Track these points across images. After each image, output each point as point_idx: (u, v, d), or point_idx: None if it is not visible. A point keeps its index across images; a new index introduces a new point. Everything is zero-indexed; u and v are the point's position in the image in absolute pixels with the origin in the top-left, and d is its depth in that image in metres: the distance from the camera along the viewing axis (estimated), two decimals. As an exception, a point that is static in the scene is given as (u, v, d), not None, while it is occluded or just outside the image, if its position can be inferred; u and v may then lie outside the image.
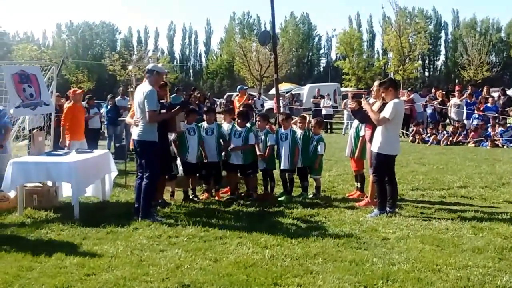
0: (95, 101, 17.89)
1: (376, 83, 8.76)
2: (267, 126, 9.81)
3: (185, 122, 9.30)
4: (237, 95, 19.74)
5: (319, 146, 9.62)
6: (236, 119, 9.74)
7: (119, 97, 19.64)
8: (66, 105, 11.69)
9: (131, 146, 8.68)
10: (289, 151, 9.48)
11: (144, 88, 7.84)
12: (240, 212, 8.48)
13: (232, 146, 9.44)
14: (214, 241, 6.67)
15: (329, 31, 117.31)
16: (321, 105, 27.27)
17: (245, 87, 19.76)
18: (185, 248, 6.36)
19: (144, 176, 7.88)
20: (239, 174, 9.80)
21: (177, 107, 8.61)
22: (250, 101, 18.86)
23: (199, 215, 8.23)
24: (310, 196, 9.63)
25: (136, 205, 8.01)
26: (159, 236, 6.93)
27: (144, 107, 7.71)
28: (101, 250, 6.32)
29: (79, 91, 11.81)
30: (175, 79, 72.86)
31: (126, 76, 46.90)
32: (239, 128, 9.53)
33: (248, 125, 9.63)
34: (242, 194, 9.68)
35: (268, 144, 9.48)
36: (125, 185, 10.74)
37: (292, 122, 10.00)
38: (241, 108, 10.83)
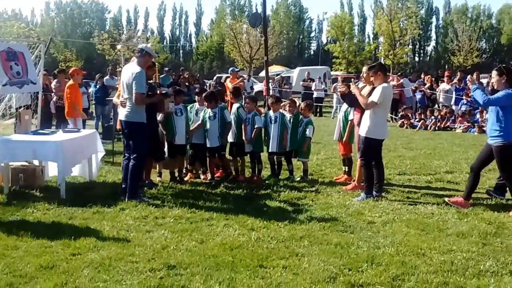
0: (83, 80, 17.75)
1: (366, 67, 8.77)
2: (255, 109, 9.79)
3: (173, 103, 9.26)
4: (227, 77, 19.66)
5: (307, 129, 9.63)
6: (245, 102, 9.84)
7: (107, 77, 19.53)
8: (69, 83, 11.62)
9: (118, 127, 8.63)
10: (278, 134, 9.49)
11: (133, 68, 7.76)
12: (227, 194, 8.48)
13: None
14: (201, 223, 6.68)
15: (321, 15, 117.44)
16: (313, 88, 27.25)
17: (237, 69, 19.64)
18: (172, 229, 6.37)
19: (132, 157, 7.85)
20: (228, 155, 9.83)
21: (164, 93, 8.57)
22: (242, 83, 18.79)
23: (186, 196, 8.24)
24: (298, 179, 9.65)
25: (123, 186, 8.00)
26: (146, 216, 6.94)
27: (132, 88, 7.65)
28: (87, 230, 6.31)
29: (82, 72, 11.89)
30: (165, 60, 72.38)
31: (115, 56, 46.53)
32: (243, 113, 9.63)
33: (237, 106, 9.68)
34: (230, 177, 9.69)
35: (256, 126, 9.48)
36: (113, 163, 10.70)
37: (281, 105, 9.99)
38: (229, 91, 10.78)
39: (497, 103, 7.35)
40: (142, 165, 8.11)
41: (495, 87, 7.71)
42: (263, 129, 9.66)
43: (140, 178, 8.31)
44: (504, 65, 8.02)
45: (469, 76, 7.89)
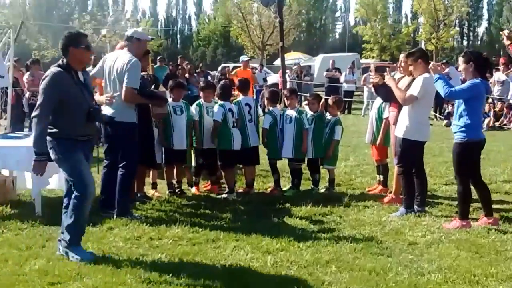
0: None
1: (403, 54, 8.75)
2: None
3: (171, 99, 9.30)
4: (235, 68, 19.70)
5: (335, 131, 9.62)
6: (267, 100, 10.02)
7: (90, 68, 19.61)
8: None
9: None
10: (293, 136, 9.49)
11: (125, 57, 7.73)
12: (237, 209, 8.50)
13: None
14: (205, 245, 6.68)
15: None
16: (341, 80, 27.26)
17: (246, 58, 19.67)
18: (170, 252, 6.37)
19: (120, 166, 7.85)
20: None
21: (160, 98, 8.62)
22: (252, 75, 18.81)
23: (187, 212, 8.27)
24: (322, 190, 9.64)
25: (102, 198, 8.02)
26: (139, 237, 6.95)
27: (122, 81, 7.64)
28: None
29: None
30: (159, 47, 72.50)
31: (99, 42, 46.72)
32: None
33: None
34: (240, 190, 9.71)
35: (261, 126, 9.55)
36: (98, 172, 10.74)
37: (304, 103, 10.02)
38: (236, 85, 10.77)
39: (461, 94, 7.34)
40: (133, 175, 8.12)
41: (463, 77, 7.70)
42: (277, 132, 9.66)
43: (131, 191, 8.32)
44: (471, 50, 8.03)
45: (431, 63, 7.83)
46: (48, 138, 6.03)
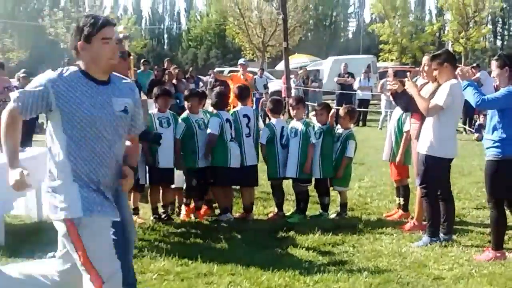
0: (31, 78, 17.89)
1: (427, 56, 8.75)
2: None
3: (156, 109, 9.32)
4: (231, 72, 19.73)
5: (347, 146, 9.64)
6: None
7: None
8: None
9: None
10: (298, 152, 9.52)
11: None
12: (233, 238, 8.51)
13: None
14: (196, 279, 6.67)
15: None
16: (355, 87, 27.19)
17: (244, 61, 19.71)
18: (155, 289, 6.37)
19: None
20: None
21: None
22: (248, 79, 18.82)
23: (175, 242, 8.27)
24: (333, 216, 9.65)
25: None
26: (118, 271, 6.93)
27: None
28: (35, 290, 6.32)
29: None
30: (143, 48, 72.97)
31: (74, 43, 46.91)
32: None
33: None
34: (236, 215, 9.74)
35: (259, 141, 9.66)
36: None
37: (311, 114, 10.05)
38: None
39: (495, 104, 7.34)
40: None
41: (497, 83, 7.68)
42: (277, 147, 9.70)
43: None
44: (506, 52, 8.05)
45: (460, 67, 7.81)
46: None
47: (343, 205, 9.79)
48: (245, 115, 9.67)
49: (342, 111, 10.09)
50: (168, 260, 7.28)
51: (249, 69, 22.11)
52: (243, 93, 10.14)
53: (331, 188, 9.89)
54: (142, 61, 22.84)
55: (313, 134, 9.52)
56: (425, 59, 8.78)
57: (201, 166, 9.45)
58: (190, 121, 9.43)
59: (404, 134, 9.25)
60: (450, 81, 7.91)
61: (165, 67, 22.04)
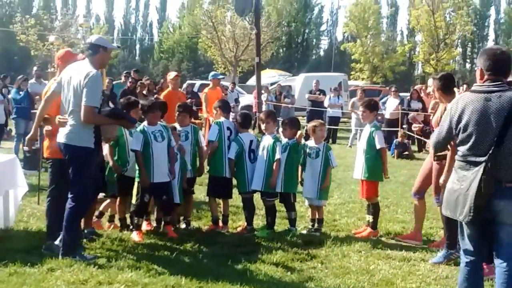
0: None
1: (432, 80, 8.96)
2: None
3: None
4: (203, 86, 19.60)
5: (330, 157, 9.76)
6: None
7: (33, 80, 19.48)
8: None
9: (47, 155, 8.46)
10: (265, 166, 9.56)
11: (84, 69, 7.65)
12: (200, 252, 8.47)
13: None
14: (163, 292, 6.63)
15: (335, 1, 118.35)
16: (326, 104, 27.24)
17: (220, 76, 19.58)
18: (122, 300, 6.33)
19: (70, 197, 7.79)
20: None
21: (127, 118, 8.51)
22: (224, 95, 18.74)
23: (143, 253, 8.21)
24: (306, 230, 9.71)
25: (49, 231, 8.05)
26: (85, 281, 6.88)
27: (80, 97, 7.55)
28: (0, 298, 6.26)
29: None
30: (114, 58, 72.67)
31: (45, 51, 46.70)
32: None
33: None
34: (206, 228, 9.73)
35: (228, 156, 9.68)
36: (39, 203, 10.66)
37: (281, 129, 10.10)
38: (216, 104, 10.72)
39: None
40: (85, 208, 8.09)
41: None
42: (245, 161, 9.72)
43: (78, 226, 8.25)
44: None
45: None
46: None
47: (320, 220, 9.82)
48: (228, 128, 9.73)
49: (310, 126, 10.12)
50: (136, 271, 7.23)
51: (221, 83, 22.03)
52: (226, 106, 10.23)
53: (301, 203, 9.92)
54: (124, 72, 22.47)
55: (279, 149, 9.54)
56: (430, 82, 9.01)
57: (156, 181, 9.16)
58: (146, 134, 9.15)
59: (382, 150, 9.56)
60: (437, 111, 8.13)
61: (133, 77, 21.62)
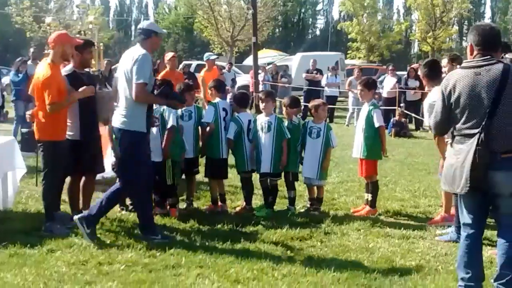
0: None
1: (445, 59, 8.97)
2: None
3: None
4: (200, 66, 19.53)
5: (331, 136, 9.74)
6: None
7: (29, 62, 19.40)
8: None
9: (37, 136, 8.41)
10: (272, 147, 9.52)
11: (134, 52, 7.79)
12: (200, 231, 8.47)
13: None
14: (164, 271, 6.66)
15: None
16: (323, 83, 27.17)
17: (214, 56, 19.51)
18: (122, 280, 6.34)
19: (122, 182, 8.06)
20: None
21: (176, 98, 8.56)
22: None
23: (143, 233, 8.21)
24: (304, 209, 9.72)
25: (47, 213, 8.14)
26: (85, 262, 6.90)
27: (131, 79, 7.65)
28: (1, 280, 6.25)
29: None
30: (110, 39, 72.38)
31: (41, 33, 46.42)
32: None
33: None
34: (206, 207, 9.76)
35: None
36: (37, 185, 10.66)
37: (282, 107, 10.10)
38: (210, 84, 10.73)
39: None
40: (143, 191, 8.17)
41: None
42: (244, 140, 9.70)
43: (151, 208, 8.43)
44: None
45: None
46: None
47: (320, 199, 9.83)
48: (224, 109, 9.70)
49: (311, 105, 10.09)
50: (136, 251, 7.26)
51: (217, 63, 21.96)
52: (221, 86, 10.20)
53: (300, 182, 9.93)
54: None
55: (286, 130, 9.54)
56: (444, 62, 9.03)
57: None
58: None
59: (380, 128, 9.52)
60: (428, 95, 8.13)
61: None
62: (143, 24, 8.20)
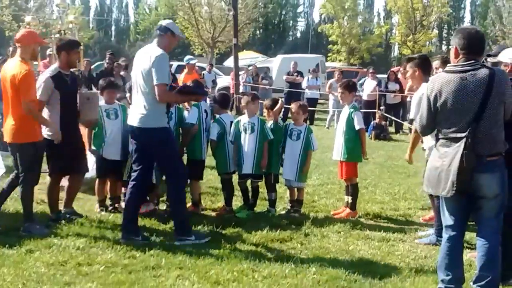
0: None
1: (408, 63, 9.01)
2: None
3: (103, 101, 9.29)
4: (180, 67, 19.52)
5: (312, 139, 9.74)
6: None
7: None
8: None
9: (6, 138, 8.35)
10: (255, 149, 9.51)
11: (150, 51, 7.79)
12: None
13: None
14: (144, 272, 6.65)
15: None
16: (304, 85, 27.22)
17: (194, 60, 19.55)
18: (102, 281, 6.33)
19: (167, 180, 8.34)
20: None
21: (196, 92, 8.64)
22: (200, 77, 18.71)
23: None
24: (283, 212, 9.73)
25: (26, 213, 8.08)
26: (64, 262, 6.87)
27: (151, 78, 7.63)
28: (-22, 280, 6.23)
29: None
30: (90, 39, 72.06)
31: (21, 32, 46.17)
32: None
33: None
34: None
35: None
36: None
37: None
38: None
39: None
40: (182, 186, 8.31)
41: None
42: (226, 142, 9.70)
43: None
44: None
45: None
46: None
47: (300, 201, 9.85)
48: (205, 111, 9.70)
49: (294, 106, 10.09)
50: (116, 252, 7.25)
51: (197, 64, 21.95)
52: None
53: (280, 184, 9.94)
54: (108, 53, 22.03)
55: (269, 131, 9.54)
56: (437, 64, 9.16)
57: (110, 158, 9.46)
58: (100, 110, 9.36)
59: (361, 131, 9.57)
60: (419, 89, 8.12)
61: (110, 58, 21.23)
62: (163, 22, 8.27)
